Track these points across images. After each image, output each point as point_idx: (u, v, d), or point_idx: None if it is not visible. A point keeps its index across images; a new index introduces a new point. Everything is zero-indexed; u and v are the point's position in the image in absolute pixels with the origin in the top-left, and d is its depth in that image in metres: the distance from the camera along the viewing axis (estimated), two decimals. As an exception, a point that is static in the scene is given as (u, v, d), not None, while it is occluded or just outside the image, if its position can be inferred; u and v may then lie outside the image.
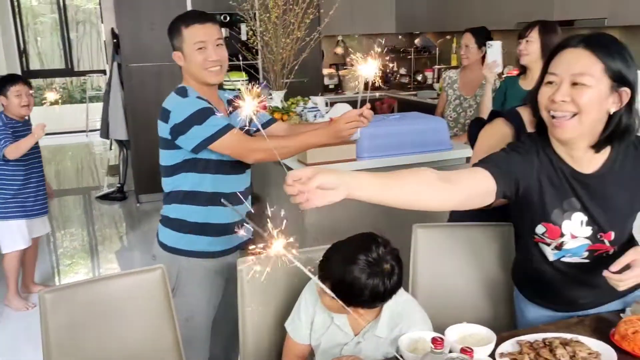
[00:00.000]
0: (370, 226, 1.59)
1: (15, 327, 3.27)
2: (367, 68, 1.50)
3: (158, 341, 1.71)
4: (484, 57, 3.24)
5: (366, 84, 1.62)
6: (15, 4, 8.04)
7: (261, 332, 1.75)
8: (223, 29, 5.17)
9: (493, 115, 1.88)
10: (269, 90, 4.20)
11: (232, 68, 4.86)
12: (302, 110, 3.65)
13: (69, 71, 9.03)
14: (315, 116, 3.46)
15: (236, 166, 1.99)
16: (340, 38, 5.92)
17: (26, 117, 3.39)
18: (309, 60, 3.99)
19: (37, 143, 3.35)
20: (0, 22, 7.16)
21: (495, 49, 3.03)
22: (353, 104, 2.86)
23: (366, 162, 2.72)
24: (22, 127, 3.32)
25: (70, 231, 4.97)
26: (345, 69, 5.88)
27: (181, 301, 1.99)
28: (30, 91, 3.38)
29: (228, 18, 5.15)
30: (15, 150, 3.18)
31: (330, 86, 5.69)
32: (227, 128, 1.84)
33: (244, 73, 4.52)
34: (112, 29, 5.33)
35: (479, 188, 1.36)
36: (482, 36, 3.35)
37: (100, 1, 6.51)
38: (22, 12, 8.57)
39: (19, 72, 8.06)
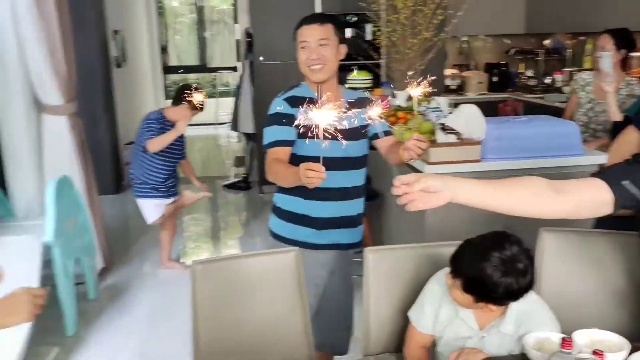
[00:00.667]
0: (489, 226, 1.62)
1: (169, 290, 3.71)
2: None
3: (289, 318, 1.86)
4: (623, 61, 3.08)
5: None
6: (160, 5, 8.79)
7: (383, 320, 1.84)
8: (348, 29, 5.32)
9: (626, 121, 1.83)
10: (392, 89, 4.28)
11: (358, 67, 5.04)
12: (425, 110, 3.68)
13: (202, 67, 9.71)
14: (437, 117, 3.48)
15: (337, 163, 2.05)
16: (465, 38, 5.84)
17: None
18: (432, 60, 4.01)
19: (182, 136, 3.71)
20: (147, 21, 7.87)
21: (605, 60, 2.88)
22: (480, 105, 2.88)
23: (491, 163, 2.70)
24: (170, 124, 3.66)
25: (196, 216, 5.37)
26: (469, 70, 5.79)
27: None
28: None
29: (355, 18, 5.28)
30: (157, 144, 3.54)
31: (452, 87, 5.64)
32: (274, 144, 2.02)
33: (368, 72, 4.63)
34: (247, 29, 5.67)
35: (592, 199, 1.35)
36: (622, 39, 3.18)
37: (236, 3, 6.92)
38: (166, 13, 9.35)
39: (159, 68, 8.83)
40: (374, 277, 1.84)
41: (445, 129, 2.89)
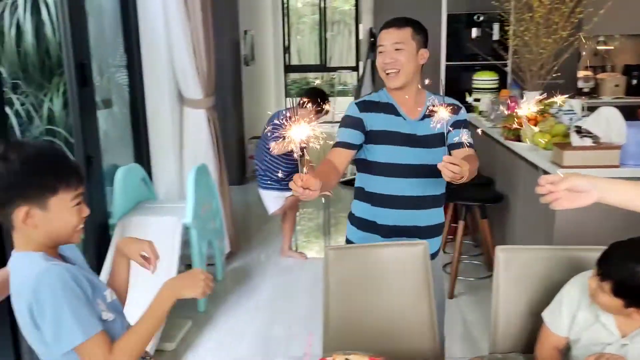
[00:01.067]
0: (626, 230, 1.56)
1: (289, 277, 3.93)
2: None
3: (416, 308, 1.90)
4: None
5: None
6: (285, 5, 9.14)
7: (511, 319, 1.83)
8: (474, 29, 5.24)
9: None
10: (521, 90, 4.15)
11: (483, 67, 4.94)
12: (557, 112, 3.54)
13: (322, 67, 9.96)
14: (571, 119, 3.34)
15: (407, 170, 1.99)
16: (601, 39, 5.51)
17: None
18: (565, 61, 3.84)
19: None
20: (273, 22, 8.22)
21: None
22: (621, 109, 2.73)
23: (632, 170, 2.57)
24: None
25: (308, 211, 5.53)
26: (604, 72, 5.45)
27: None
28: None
29: (481, 17, 5.18)
30: (281, 148, 3.61)
31: (585, 89, 5.34)
32: (335, 145, 2.02)
33: (493, 72, 4.53)
34: (371, 29, 5.76)
35: None
36: None
37: (359, 3, 7.04)
38: (290, 13, 9.70)
39: (282, 67, 9.18)
40: (504, 276, 1.83)
41: (580, 132, 2.78)
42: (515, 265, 1.83)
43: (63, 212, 1.30)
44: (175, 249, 3.10)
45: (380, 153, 2.01)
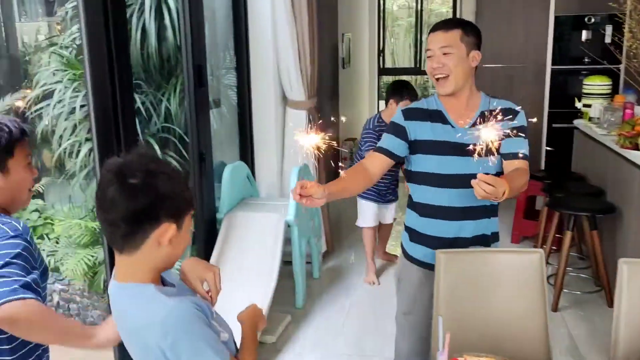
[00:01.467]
0: None
1: (384, 278, 3.91)
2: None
3: (529, 317, 1.86)
4: None
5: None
6: (382, 9, 9.15)
7: (635, 335, 1.74)
8: (584, 31, 5.00)
9: None
10: (637, 96, 3.92)
11: (592, 72, 4.71)
12: (680, 120, 3.31)
13: (416, 70, 9.86)
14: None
15: (452, 180, 1.91)
16: None
17: None
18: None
19: None
20: (369, 25, 8.26)
21: None
22: None
23: None
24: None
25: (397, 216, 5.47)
26: None
27: (400, 296, 2.14)
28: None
29: (593, 19, 4.93)
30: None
31: None
32: (375, 149, 1.98)
33: (606, 77, 4.30)
34: (472, 31, 5.64)
35: None
36: None
37: (456, 5, 6.92)
38: (386, 17, 9.69)
39: (376, 69, 9.19)
40: (626, 290, 1.75)
41: None
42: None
43: (189, 232, 1.22)
44: (278, 245, 3.21)
45: (426, 163, 1.95)
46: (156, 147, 3.31)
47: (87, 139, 3.36)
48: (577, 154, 4.41)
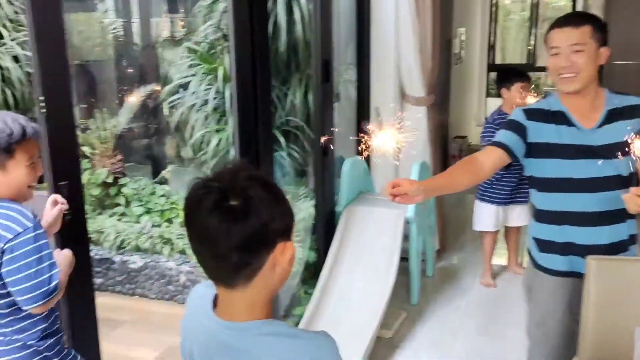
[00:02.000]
0: None
1: (500, 282, 3.76)
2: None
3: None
4: None
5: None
6: (494, 2, 8.85)
7: None
8: None
9: None
10: None
11: None
12: None
13: (529, 66, 9.46)
14: None
15: (574, 185, 1.83)
16: None
17: None
18: None
19: None
20: (481, 20, 8.03)
21: None
22: None
23: None
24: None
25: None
26: None
27: (532, 307, 2.04)
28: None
29: None
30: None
31: None
32: (491, 143, 1.88)
33: None
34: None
35: None
36: None
37: (585, -2, 6.54)
38: (499, 11, 9.37)
39: (485, 64, 8.92)
40: None
41: None
42: None
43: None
44: (397, 241, 3.21)
45: (549, 168, 1.86)
46: (281, 139, 3.43)
47: (217, 130, 3.54)
48: None
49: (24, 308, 1.45)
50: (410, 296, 3.48)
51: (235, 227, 0.90)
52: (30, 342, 1.53)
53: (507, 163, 1.90)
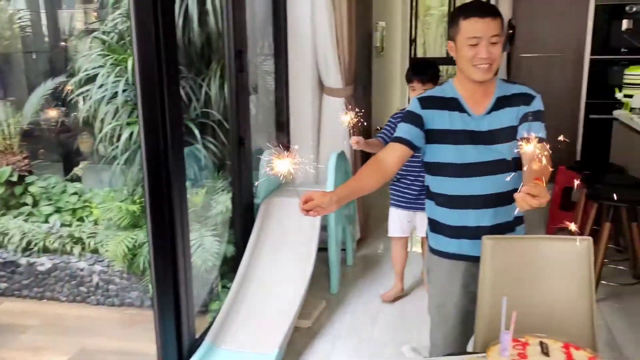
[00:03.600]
0: None
1: (419, 268, 3.74)
2: (282, 164, 1.36)
3: (575, 305, 1.85)
4: None
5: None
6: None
7: None
8: (624, 21, 4.90)
9: None
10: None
11: (633, 62, 4.62)
12: None
13: (448, 60, 9.78)
14: None
15: (463, 169, 1.87)
16: None
17: None
18: None
19: None
20: (402, 14, 8.22)
21: None
22: None
23: None
24: None
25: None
26: None
27: (431, 289, 2.11)
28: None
29: (635, 8, 4.82)
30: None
31: None
32: (393, 140, 1.87)
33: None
34: (510, 20, 5.57)
35: None
36: None
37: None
38: (418, 5, 9.62)
39: (407, 59, 9.12)
40: None
41: None
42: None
43: None
44: (314, 231, 3.24)
45: (441, 153, 1.89)
46: (196, 132, 3.36)
47: (128, 123, 3.43)
48: (616, 145, 4.34)
49: None
50: (330, 285, 3.52)
51: None
52: None
53: (411, 155, 1.91)
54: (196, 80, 3.46)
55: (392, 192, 3.35)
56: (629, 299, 3.39)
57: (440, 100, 1.90)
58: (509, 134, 1.83)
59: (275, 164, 1.39)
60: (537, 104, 1.87)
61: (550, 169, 1.60)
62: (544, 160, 1.47)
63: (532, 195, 1.42)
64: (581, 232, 3.73)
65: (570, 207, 4.28)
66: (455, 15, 1.83)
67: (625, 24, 4.91)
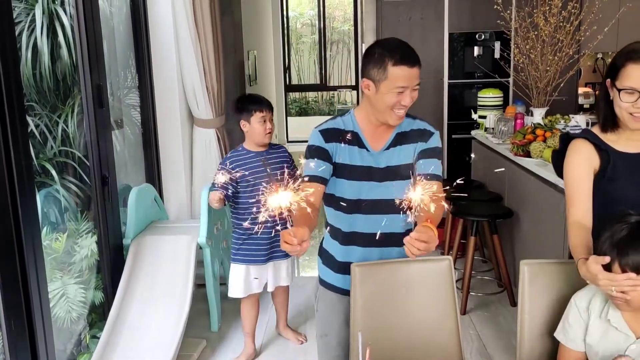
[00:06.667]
0: None
1: (304, 295, 3.69)
2: (278, 199, 1.27)
3: (442, 323, 1.92)
4: None
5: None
6: (285, 27, 9.26)
7: (536, 335, 1.84)
8: (476, 47, 5.33)
9: None
10: (526, 107, 4.21)
11: (485, 85, 5.02)
12: (564, 128, 3.60)
13: (322, 86, 10.05)
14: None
15: (351, 205, 1.86)
16: (600, 56, 5.60)
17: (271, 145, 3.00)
18: (566, 78, 3.91)
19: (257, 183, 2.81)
20: (274, 42, 8.33)
21: None
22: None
23: None
24: (254, 158, 2.89)
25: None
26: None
27: (318, 319, 2.13)
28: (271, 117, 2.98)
29: (483, 36, 5.26)
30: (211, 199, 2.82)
31: (585, 106, 5.42)
32: (310, 179, 1.77)
33: (498, 90, 4.60)
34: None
35: None
36: None
37: (362, 24, 7.14)
38: (290, 34, 9.83)
39: (282, 86, 9.25)
40: (529, 288, 1.84)
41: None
42: (540, 280, 1.85)
43: None
44: (190, 268, 3.11)
45: (338, 186, 1.86)
46: (53, 172, 3.11)
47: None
48: (476, 163, 4.67)
49: None
50: (211, 323, 3.40)
51: None
52: None
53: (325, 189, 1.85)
54: (52, 117, 3.22)
55: (235, 245, 2.96)
56: (495, 307, 3.61)
57: (340, 132, 1.85)
58: (404, 172, 1.81)
59: (272, 199, 1.26)
60: (435, 141, 1.87)
61: (444, 208, 1.60)
62: (433, 206, 1.40)
63: (421, 241, 1.43)
64: (450, 248, 3.94)
65: (440, 224, 4.51)
66: (381, 57, 1.72)
67: (476, 50, 5.33)
